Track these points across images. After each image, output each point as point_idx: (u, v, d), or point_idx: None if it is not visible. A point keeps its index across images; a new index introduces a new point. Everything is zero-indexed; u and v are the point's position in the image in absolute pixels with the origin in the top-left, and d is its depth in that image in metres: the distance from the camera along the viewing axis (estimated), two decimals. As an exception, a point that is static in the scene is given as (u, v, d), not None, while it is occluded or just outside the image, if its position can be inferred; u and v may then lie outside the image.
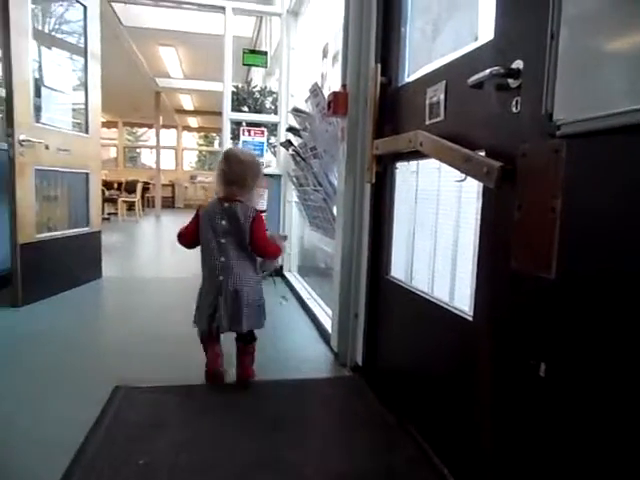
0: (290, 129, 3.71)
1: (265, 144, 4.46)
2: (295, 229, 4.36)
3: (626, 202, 0.78)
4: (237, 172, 1.90)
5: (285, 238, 2.26)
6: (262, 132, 4.40)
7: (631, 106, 0.73)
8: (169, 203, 14.92)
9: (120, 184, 11.45)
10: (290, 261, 4.34)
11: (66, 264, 3.46)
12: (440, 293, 1.56)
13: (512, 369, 1.07)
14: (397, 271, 1.87)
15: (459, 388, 1.32)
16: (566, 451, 0.90)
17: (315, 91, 2.81)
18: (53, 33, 3.76)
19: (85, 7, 3.60)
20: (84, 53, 3.65)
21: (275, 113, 4.59)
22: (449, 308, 1.42)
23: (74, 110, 3.63)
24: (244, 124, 4.46)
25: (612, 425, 0.79)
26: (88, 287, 3.68)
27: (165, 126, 14.12)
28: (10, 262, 2.97)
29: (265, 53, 4.52)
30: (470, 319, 1.29)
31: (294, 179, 3.79)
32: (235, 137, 4.61)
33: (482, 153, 1.19)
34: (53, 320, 2.81)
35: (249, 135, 4.36)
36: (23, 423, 1.62)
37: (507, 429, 1.09)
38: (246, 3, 4.33)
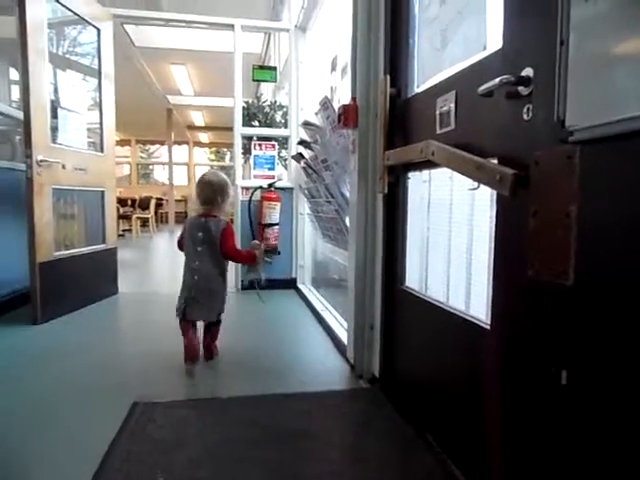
0: (301, 142, 3.74)
1: (276, 157, 4.49)
2: (307, 241, 4.37)
3: (642, 206, 0.78)
4: (208, 194, 2.39)
5: (258, 246, 2.65)
6: (273, 146, 4.44)
7: (643, 110, 0.73)
8: (182, 218, 15.01)
9: (134, 201, 11.59)
10: (304, 273, 4.35)
11: (83, 281, 3.51)
12: (455, 302, 1.55)
13: (532, 377, 1.06)
14: (412, 281, 1.87)
15: (477, 398, 1.31)
16: (590, 458, 0.89)
17: (325, 104, 2.83)
18: (67, 55, 3.85)
19: (99, 30, 3.68)
20: (98, 74, 3.74)
21: (285, 127, 4.63)
22: (465, 317, 1.42)
23: (89, 130, 3.70)
24: (255, 138, 4.50)
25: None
26: (105, 303, 3.72)
27: (177, 142, 14.27)
28: (29, 280, 3.02)
29: (274, 68, 4.56)
30: (487, 327, 1.28)
31: (306, 191, 3.81)
32: (246, 151, 4.66)
33: (494, 161, 1.20)
34: (71, 337, 2.85)
35: (260, 149, 4.40)
36: (42, 440, 1.64)
37: (529, 439, 1.08)
38: (254, 20, 4.40)
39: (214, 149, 18.49)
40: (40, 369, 2.30)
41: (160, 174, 17.69)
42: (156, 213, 11.52)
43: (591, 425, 0.88)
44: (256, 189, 4.17)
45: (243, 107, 4.63)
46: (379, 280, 2.09)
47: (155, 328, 3.06)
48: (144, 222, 10.66)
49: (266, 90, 6.94)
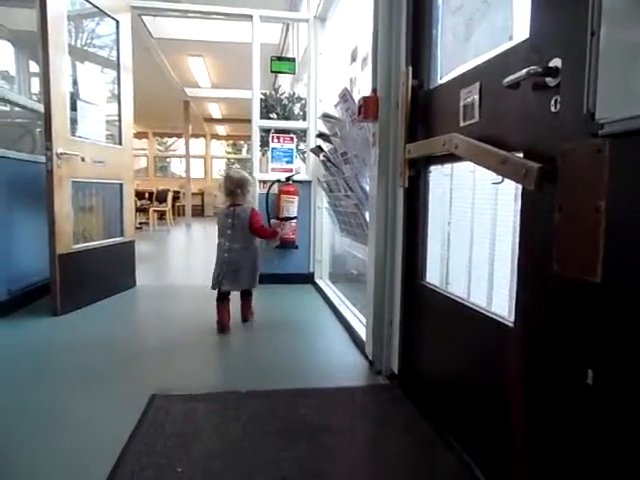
0: (320, 135, 3.71)
1: (294, 150, 4.47)
2: (325, 235, 4.35)
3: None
4: (229, 186, 2.91)
5: (278, 225, 3.61)
6: (291, 139, 4.42)
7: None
8: (199, 211, 15.14)
9: (151, 194, 11.66)
10: (321, 268, 4.33)
11: (102, 273, 3.54)
12: (477, 298, 1.52)
13: (557, 376, 1.04)
14: (432, 276, 1.84)
15: (499, 396, 1.29)
16: (616, 459, 0.86)
17: (345, 96, 2.80)
18: (86, 48, 3.87)
19: (117, 22, 3.69)
20: (117, 66, 3.75)
21: (304, 119, 4.60)
22: (487, 314, 1.39)
23: (107, 122, 3.71)
24: (273, 131, 4.48)
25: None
26: (123, 296, 3.76)
27: (194, 135, 14.33)
28: (49, 272, 3.05)
29: (293, 60, 4.52)
30: (510, 325, 1.25)
31: (324, 185, 3.78)
32: (264, 144, 4.64)
33: (519, 154, 1.16)
34: (90, 328, 2.88)
35: (278, 142, 4.38)
36: (63, 432, 1.65)
37: (553, 438, 1.05)
38: (273, 11, 4.36)
39: (231, 142, 18.51)
40: (59, 360, 2.33)
41: (177, 167, 17.79)
42: (173, 206, 11.59)
43: (618, 426, 0.85)
44: (274, 182, 4.16)
45: (261, 99, 4.60)
46: (399, 275, 2.07)
47: (173, 320, 3.09)
48: (161, 215, 10.74)
49: (284, 82, 6.92)
